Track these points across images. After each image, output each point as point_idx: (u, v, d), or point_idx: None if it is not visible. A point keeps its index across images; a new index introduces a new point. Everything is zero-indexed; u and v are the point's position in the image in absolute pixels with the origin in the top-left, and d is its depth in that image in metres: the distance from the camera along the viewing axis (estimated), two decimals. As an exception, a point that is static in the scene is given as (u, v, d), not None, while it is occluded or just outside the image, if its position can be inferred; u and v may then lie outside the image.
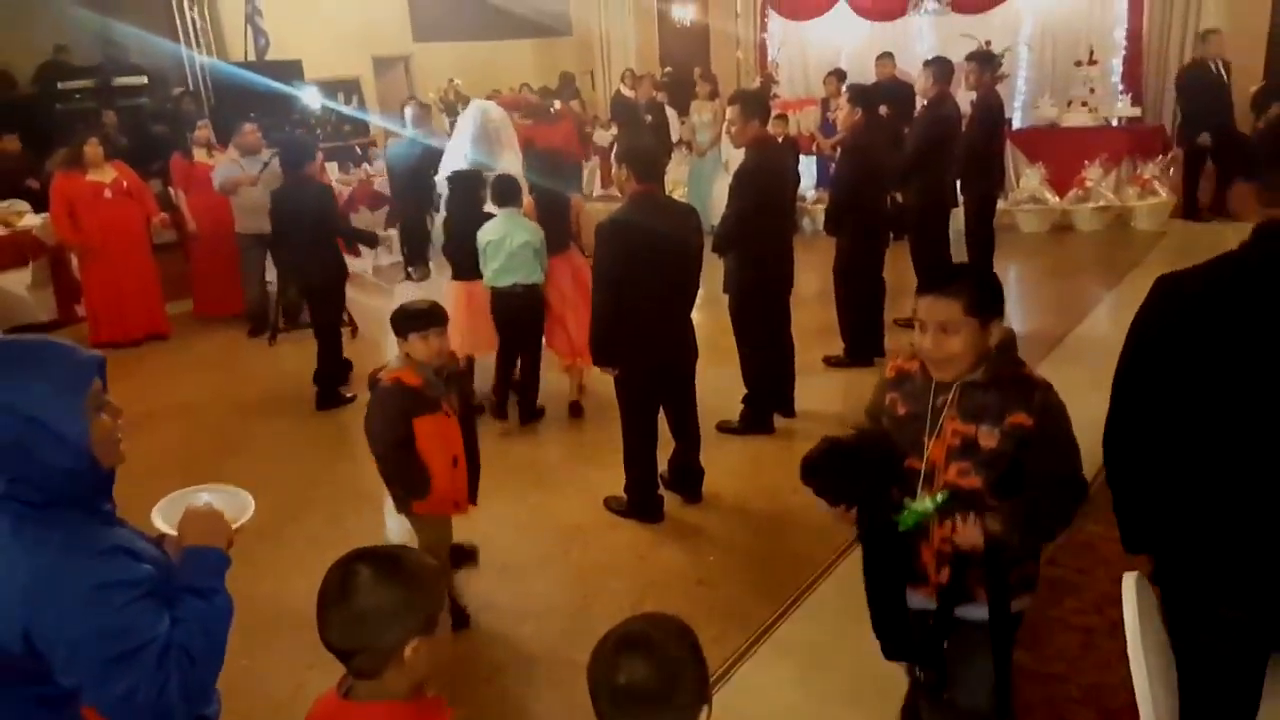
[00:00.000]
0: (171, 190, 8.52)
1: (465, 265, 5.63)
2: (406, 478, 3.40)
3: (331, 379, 6.30)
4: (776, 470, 4.81)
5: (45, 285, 8.19)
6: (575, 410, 5.77)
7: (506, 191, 5.41)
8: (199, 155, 8.21)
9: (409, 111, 8.94)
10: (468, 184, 5.82)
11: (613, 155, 4.10)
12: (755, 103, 5.07)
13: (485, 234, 5.34)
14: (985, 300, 2.21)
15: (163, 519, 1.92)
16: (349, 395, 6.26)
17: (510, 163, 6.58)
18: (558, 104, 11.81)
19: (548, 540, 4.36)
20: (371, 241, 7.13)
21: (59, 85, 11.30)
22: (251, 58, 12.41)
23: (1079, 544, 3.91)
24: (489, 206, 5.53)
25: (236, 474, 5.07)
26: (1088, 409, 5.15)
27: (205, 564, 1.78)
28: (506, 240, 5.29)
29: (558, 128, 10.16)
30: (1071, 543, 3.92)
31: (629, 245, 3.88)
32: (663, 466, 4.52)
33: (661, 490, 4.46)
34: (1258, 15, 11.92)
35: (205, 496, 2.02)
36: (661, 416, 4.37)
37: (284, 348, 7.69)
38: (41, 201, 8.09)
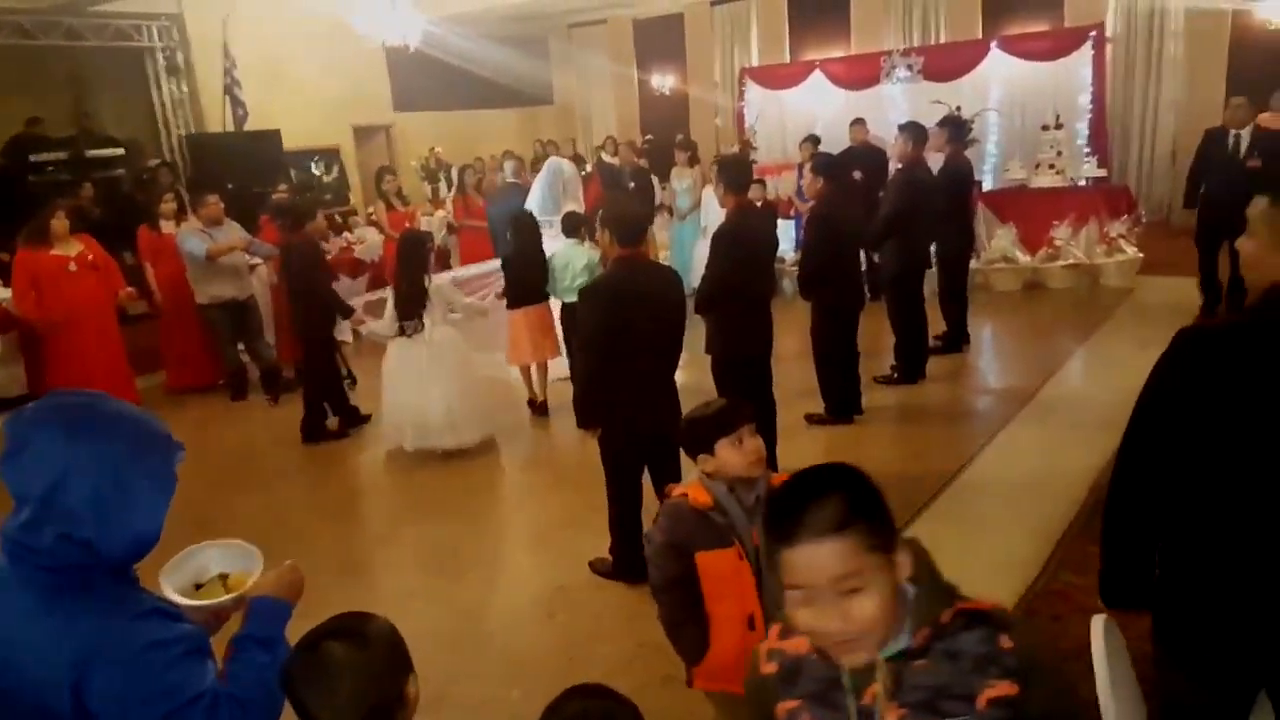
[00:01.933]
0: (143, 263, 8.47)
1: (522, 295, 6.76)
2: (678, 631, 2.60)
3: (315, 426, 6.87)
4: (761, 530, 4.83)
5: (15, 360, 7.92)
6: None
7: (571, 225, 6.80)
8: (166, 227, 8.20)
9: (509, 166, 9.98)
10: (525, 225, 6.81)
11: (597, 219, 4.13)
12: (734, 171, 5.15)
13: (555, 259, 6.70)
14: (878, 514, 1.39)
15: (173, 580, 1.91)
16: (337, 431, 6.96)
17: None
18: (589, 167, 12.43)
19: (532, 603, 4.32)
20: (346, 313, 7.25)
21: (31, 158, 11.17)
22: (230, 128, 12.56)
23: (1054, 592, 3.94)
24: (551, 238, 6.95)
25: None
26: (1060, 461, 5.26)
27: (272, 614, 1.82)
28: (569, 265, 6.60)
29: (588, 188, 10.74)
30: (1047, 591, 3.95)
31: (614, 308, 3.92)
32: (648, 527, 4.51)
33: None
34: (1213, 85, 12.31)
35: (212, 552, 2.01)
36: (646, 478, 4.38)
37: (267, 413, 7.71)
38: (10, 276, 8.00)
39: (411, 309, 6.15)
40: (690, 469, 4.44)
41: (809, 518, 1.34)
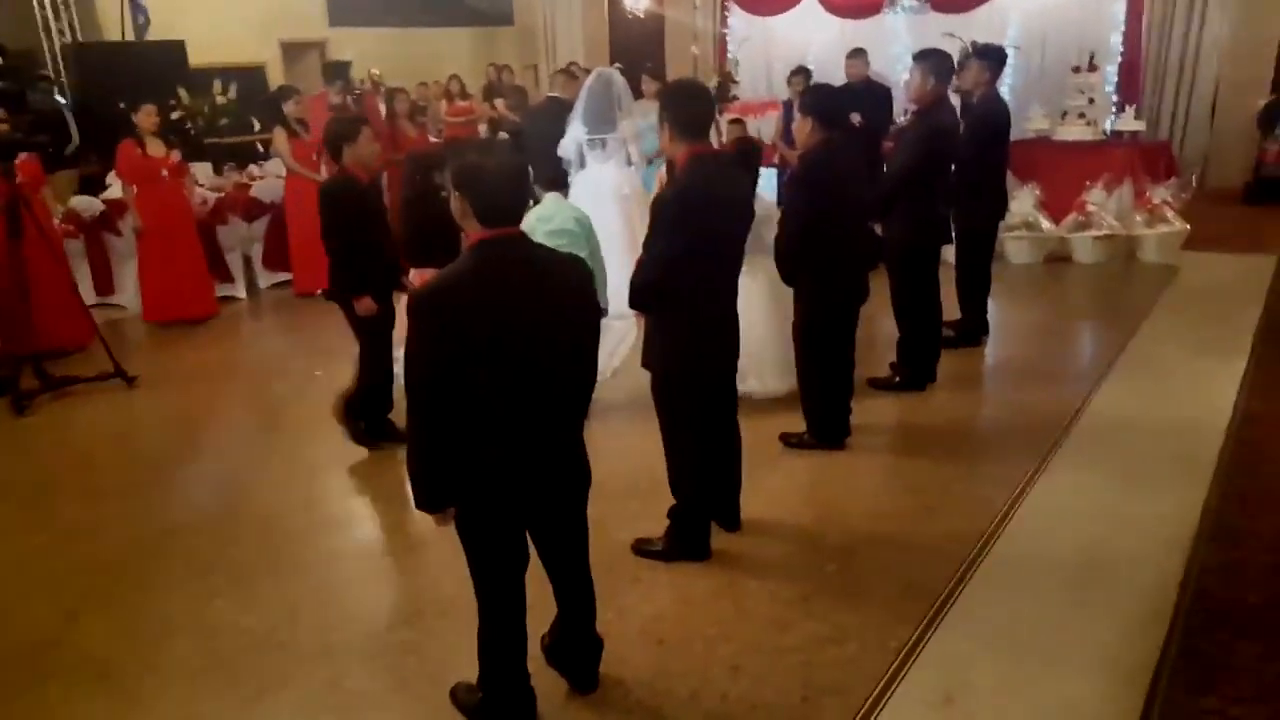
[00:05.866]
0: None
1: (420, 252, 5.11)
2: None
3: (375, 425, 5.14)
4: (711, 624, 3.35)
5: None
6: None
7: (553, 176, 5.53)
8: None
9: (559, 80, 8.91)
10: (424, 167, 5.30)
11: (450, 182, 2.51)
12: (683, 106, 3.50)
13: (532, 215, 5.07)
14: None
15: None
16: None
17: (627, 127, 7.33)
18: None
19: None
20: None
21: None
22: (130, 37, 10.82)
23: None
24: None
25: None
26: (1127, 530, 3.74)
27: None
28: (555, 220, 5.16)
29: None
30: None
31: (463, 328, 2.39)
32: (544, 632, 3.05)
33: (539, 675, 2.97)
34: (1268, 22, 10.80)
35: None
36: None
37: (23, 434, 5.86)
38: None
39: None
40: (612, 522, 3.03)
41: None
